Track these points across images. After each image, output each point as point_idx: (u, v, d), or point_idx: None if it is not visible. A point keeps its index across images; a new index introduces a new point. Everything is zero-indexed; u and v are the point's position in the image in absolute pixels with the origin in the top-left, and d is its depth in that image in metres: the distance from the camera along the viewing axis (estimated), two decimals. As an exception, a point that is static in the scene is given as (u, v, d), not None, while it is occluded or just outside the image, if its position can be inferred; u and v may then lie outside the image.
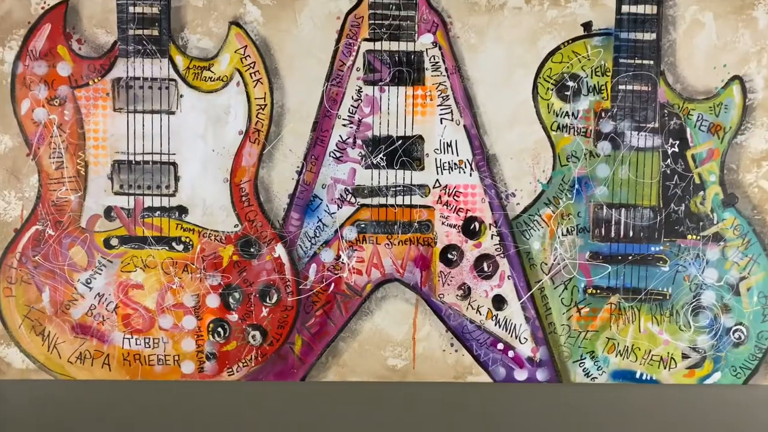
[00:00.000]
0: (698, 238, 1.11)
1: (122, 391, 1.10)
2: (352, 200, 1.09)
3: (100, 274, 1.09)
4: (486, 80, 1.08)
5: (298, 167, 1.09)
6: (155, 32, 1.06)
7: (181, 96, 1.07)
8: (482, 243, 1.11)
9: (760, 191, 1.10)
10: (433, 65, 1.08)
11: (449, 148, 1.09)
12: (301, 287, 1.10)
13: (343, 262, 1.10)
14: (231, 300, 1.10)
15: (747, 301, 1.11)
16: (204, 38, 1.07)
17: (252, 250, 1.09)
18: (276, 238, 1.09)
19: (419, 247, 1.10)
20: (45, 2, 1.05)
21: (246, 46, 1.07)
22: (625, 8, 1.08)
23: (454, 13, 1.07)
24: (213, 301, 1.10)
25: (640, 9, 1.08)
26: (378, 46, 1.08)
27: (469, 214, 1.10)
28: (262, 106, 1.08)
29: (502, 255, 1.11)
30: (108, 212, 1.09)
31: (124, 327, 1.09)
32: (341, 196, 1.09)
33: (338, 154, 1.09)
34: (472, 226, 1.10)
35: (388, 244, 1.10)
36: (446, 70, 1.08)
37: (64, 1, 1.06)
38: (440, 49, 1.08)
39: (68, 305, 1.09)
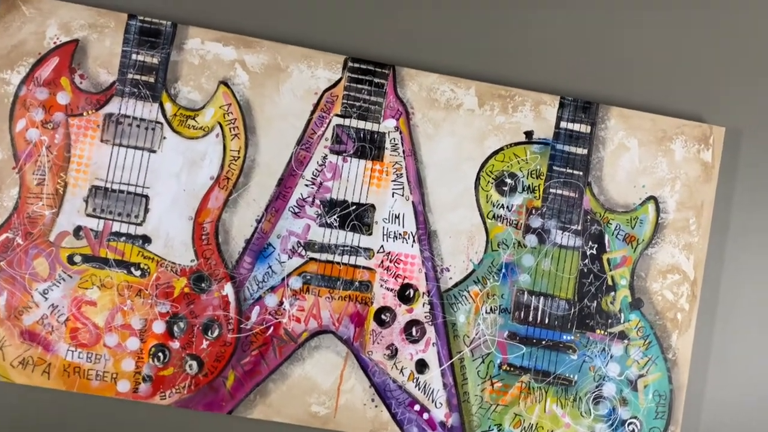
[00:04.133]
0: (606, 333, 1.23)
1: (56, 401, 1.16)
2: (303, 253, 1.20)
3: (58, 286, 1.17)
4: (437, 166, 1.22)
5: (258, 216, 1.20)
6: (151, 79, 1.19)
7: (164, 138, 1.19)
8: (414, 309, 1.22)
9: (663, 299, 1.25)
10: (392, 146, 1.22)
11: (397, 220, 1.22)
12: (242, 326, 1.19)
13: (284, 309, 1.20)
14: (176, 328, 1.18)
15: (643, 397, 1.23)
16: (194, 91, 1.20)
17: (203, 285, 1.18)
18: (227, 277, 1.19)
19: (357, 305, 1.21)
20: (58, 38, 1.18)
21: (230, 104, 1.20)
22: (563, 124, 1.24)
23: (417, 105, 1.23)
24: (159, 326, 1.18)
25: (576, 127, 1.25)
26: (347, 122, 1.22)
27: (406, 281, 1.22)
28: (236, 158, 1.20)
29: (430, 323, 1.22)
30: (77, 231, 1.18)
31: (70, 339, 1.16)
32: (293, 247, 1.20)
33: (297, 210, 1.21)
34: (408, 293, 1.22)
35: (329, 298, 1.20)
36: (403, 152, 1.23)
37: (75, 40, 1.19)
38: (401, 133, 1.23)
39: (22, 311, 1.16)
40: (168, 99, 1.19)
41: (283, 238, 1.19)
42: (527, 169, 1.23)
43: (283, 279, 1.19)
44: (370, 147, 1.21)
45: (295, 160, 1.20)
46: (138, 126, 1.18)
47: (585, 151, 1.23)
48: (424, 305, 1.21)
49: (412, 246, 1.21)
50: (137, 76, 1.18)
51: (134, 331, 1.17)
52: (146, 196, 1.18)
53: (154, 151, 1.18)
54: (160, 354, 1.17)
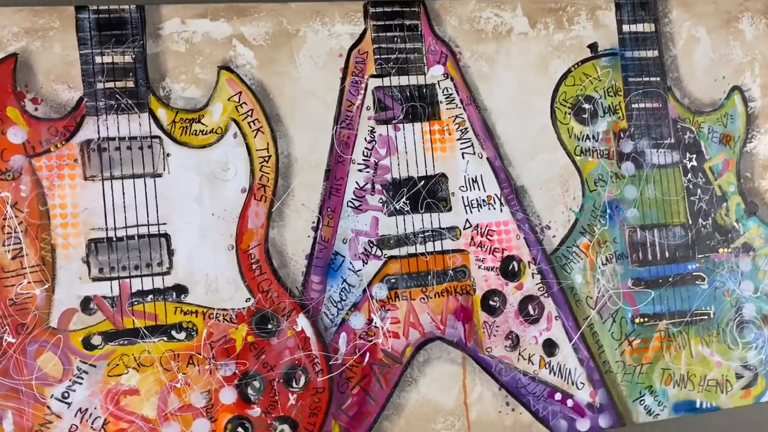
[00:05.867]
0: (729, 250, 1.07)
1: None
2: (378, 253, 0.96)
3: (80, 383, 0.86)
4: (503, 109, 1.01)
5: (313, 223, 0.94)
6: (130, 83, 0.90)
7: (168, 155, 0.91)
8: (524, 284, 1.00)
9: (775, 196, 1.10)
10: (447, 97, 1.00)
11: (475, 184, 1.00)
12: (331, 363, 0.93)
13: (376, 326, 0.95)
14: (250, 391, 0.91)
15: (785, 308, 1.08)
16: (190, 86, 0.92)
17: (269, 326, 0.92)
18: (296, 308, 0.93)
19: (458, 298, 0.98)
20: (-18, 61, 0.86)
21: (240, 92, 0.93)
22: (625, 27, 1.06)
23: (462, 42, 1.00)
24: (228, 395, 0.90)
25: (639, 28, 1.07)
26: (387, 81, 0.98)
27: (506, 253, 1.00)
28: (266, 158, 0.94)
29: (546, 294, 1.01)
30: (86, 304, 0.88)
31: (118, 446, 0.86)
32: (365, 250, 0.95)
33: (357, 203, 0.96)
34: (511, 267, 1.00)
35: (423, 299, 0.97)
36: (461, 101, 1.00)
37: (12, 55, 0.87)
38: (452, 80, 1.00)
39: (40, 430, 0.85)
40: (159, 104, 0.90)
41: (351, 241, 0.94)
42: (602, 88, 1.04)
43: (364, 291, 0.94)
44: (421, 105, 0.98)
45: (337, 143, 0.95)
46: (129, 148, 0.89)
47: (656, 53, 1.06)
48: (533, 276, 1.00)
49: (501, 210, 0.99)
50: (110, 84, 0.89)
51: (198, 411, 0.88)
52: (166, 235, 0.89)
53: (159, 175, 0.90)
54: (240, 429, 0.89)
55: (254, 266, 0.93)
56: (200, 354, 0.90)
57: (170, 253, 0.90)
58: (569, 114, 1.03)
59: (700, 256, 1.06)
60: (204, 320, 0.90)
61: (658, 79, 1.06)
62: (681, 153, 1.07)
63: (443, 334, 0.97)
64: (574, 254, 1.02)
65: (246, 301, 0.92)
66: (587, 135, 1.04)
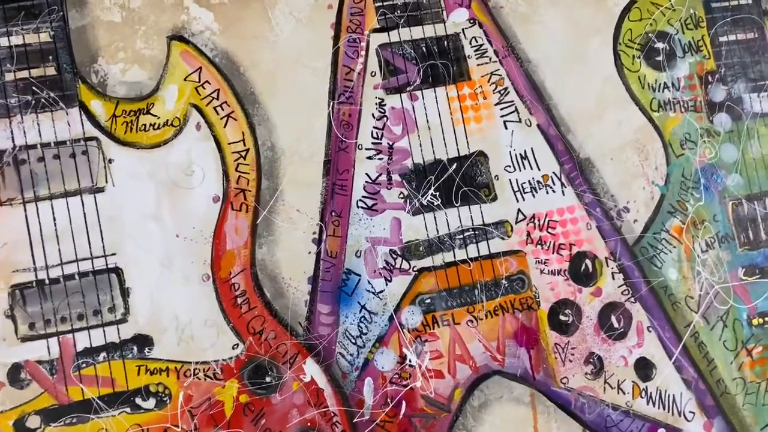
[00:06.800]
0: None
1: None
2: (405, 266, 0.71)
3: (16, 483, 0.62)
4: (552, 59, 0.76)
5: (314, 234, 0.69)
6: (50, 70, 0.67)
7: (110, 161, 0.67)
8: (602, 288, 0.75)
9: None
10: (476, 50, 0.75)
11: (525, 162, 0.74)
12: (356, 420, 0.69)
13: (411, 365, 0.70)
14: (250, 469, 0.66)
15: None
16: (132, 67, 0.68)
17: (268, 379, 0.67)
18: (302, 350, 0.68)
19: (517, 316, 0.73)
20: None
21: (200, 68, 0.69)
22: (700, -66, 0.80)
23: (489, -25, 0.75)
24: (221, 479, 0.66)
25: (718, -66, 0.81)
26: (394, 36, 0.73)
27: (575, 249, 0.74)
28: (242, 153, 0.69)
29: (632, 299, 0.75)
30: (15, 374, 0.64)
31: None
32: (387, 263, 0.71)
33: (370, 203, 0.71)
34: (584, 267, 0.75)
35: (471, 321, 0.72)
36: (496, 53, 0.75)
37: None
38: (481, 26, 0.75)
39: None
40: (92, 94, 0.67)
41: (366, 253, 0.70)
42: (679, 19, 0.78)
43: (391, 319, 0.69)
44: (443, 64, 0.73)
45: (336, 124, 0.70)
46: (57, 157, 0.66)
47: (743, -33, 0.80)
48: (614, 277, 0.75)
49: (563, 193, 0.74)
50: (23, 73, 0.65)
51: (182, 504, 0.64)
52: (116, 270, 0.66)
53: (101, 190, 0.66)
54: None
55: (240, 300, 0.68)
56: (178, 427, 0.66)
57: (124, 293, 0.66)
58: (639, 58, 0.78)
59: (828, 228, 0.80)
60: (179, 380, 0.66)
61: (750, 1, 0.80)
62: (789, 96, 0.81)
63: (502, 367, 0.72)
64: (665, 242, 0.77)
65: (233, 348, 0.68)
66: (665, 83, 0.79)
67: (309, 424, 0.69)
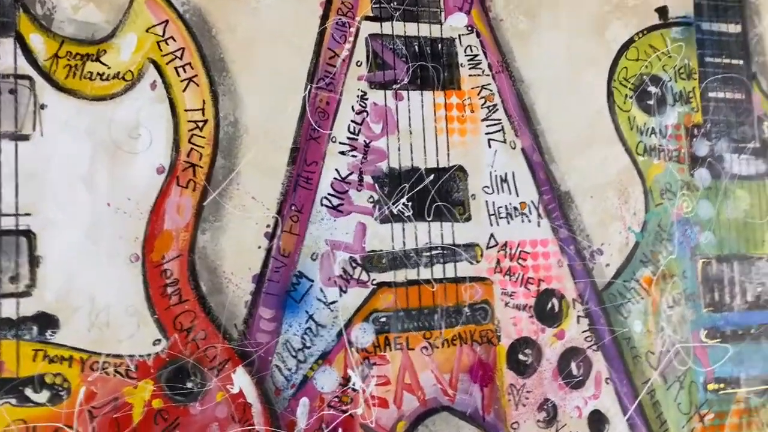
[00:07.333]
0: (827, 296, 0.80)
1: None
2: (364, 278, 0.64)
3: None
4: (545, 82, 0.72)
5: (268, 227, 0.61)
6: (-14, -10, 0.56)
7: (43, 106, 0.57)
8: (566, 331, 0.70)
9: None
10: (470, 59, 0.69)
11: (505, 185, 0.69)
12: (284, 444, 0.60)
13: (355, 389, 0.62)
14: (152, 489, 0.56)
15: None
16: (87, 5, 0.59)
17: (189, 384, 0.58)
18: (233, 357, 0.59)
19: (475, 348, 0.66)
20: None
21: (167, 21, 0.61)
22: (702, -9, 0.79)
23: (493, -16, 0.71)
24: (115, 497, 0.55)
25: (719, -8, 0.79)
26: (387, 28, 0.67)
27: (543, 286, 0.69)
28: (199, 124, 0.61)
29: (595, 347, 0.70)
30: None
31: None
32: (345, 271, 0.63)
33: (335, 202, 0.64)
34: (550, 305, 0.70)
35: (426, 348, 0.65)
36: (490, 67, 0.70)
37: None
38: (479, 35, 0.70)
39: None
40: (33, 26, 0.57)
41: (323, 257, 0.62)
42: (673, 67, 0.76)
43: (339, 334, 0.61)
44: (434, 67, 0.67)
45: (311, 110, 0.63)
46: (-22, 90, 0.55)
47: (739, 28, 0.79)
48: (578, 320, 0.70)
49: (539, 224, 0.69)
50: (-48, -13, 0.55)
51: None
52: (27, 233, 0.55)
53: (25, 137, 0.56)
54: None
55: (170, 290, 0.59)
56: (71, 428, 0.55)
57: (33, 261, 0.56)
58: (631, 98, 0.75)
59: (790, 301, 0.78)
60: (82, 372, 0.56)
61: (741, 62, 0.79)
62: None
63: (452, 403, 0.65)
64: (634, 291, 0.73)
65: (154, 344, 0.58)
66: (653, 129, 0.75)
67: (230, 443, 0.59)
